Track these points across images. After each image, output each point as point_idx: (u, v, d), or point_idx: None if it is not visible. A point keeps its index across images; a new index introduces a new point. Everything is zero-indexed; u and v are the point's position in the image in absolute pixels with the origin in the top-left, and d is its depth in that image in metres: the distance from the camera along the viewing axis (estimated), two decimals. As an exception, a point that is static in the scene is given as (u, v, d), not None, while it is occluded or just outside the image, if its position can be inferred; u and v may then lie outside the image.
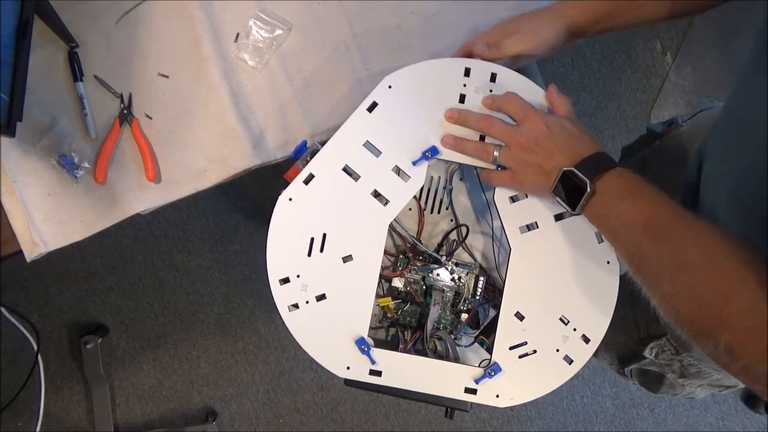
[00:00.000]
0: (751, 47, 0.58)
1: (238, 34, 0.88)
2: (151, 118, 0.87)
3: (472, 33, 0.84)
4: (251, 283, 1.67)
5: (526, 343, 0.71)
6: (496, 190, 0.72)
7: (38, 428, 1.35)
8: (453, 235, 0.82)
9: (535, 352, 0.71)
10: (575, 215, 0.66)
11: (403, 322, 0.82)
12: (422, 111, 0.72)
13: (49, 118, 0.85)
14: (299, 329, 0.70)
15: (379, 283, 0.72)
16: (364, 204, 0.71)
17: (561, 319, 0.71)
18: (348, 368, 0.70)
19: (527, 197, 0.71)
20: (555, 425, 1.75)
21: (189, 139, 0.87)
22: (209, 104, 0.87)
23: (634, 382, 0.99)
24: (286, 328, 0.70)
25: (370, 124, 0.71)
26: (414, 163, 0.71)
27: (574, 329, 0.71)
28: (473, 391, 0.70)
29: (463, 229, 0.81)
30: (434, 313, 0.78)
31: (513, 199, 0.72)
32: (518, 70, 0.74)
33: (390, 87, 0.72)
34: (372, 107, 0.72)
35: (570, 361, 0.71)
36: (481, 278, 0.81)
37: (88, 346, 1.57)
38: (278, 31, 0.88)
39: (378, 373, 0.70)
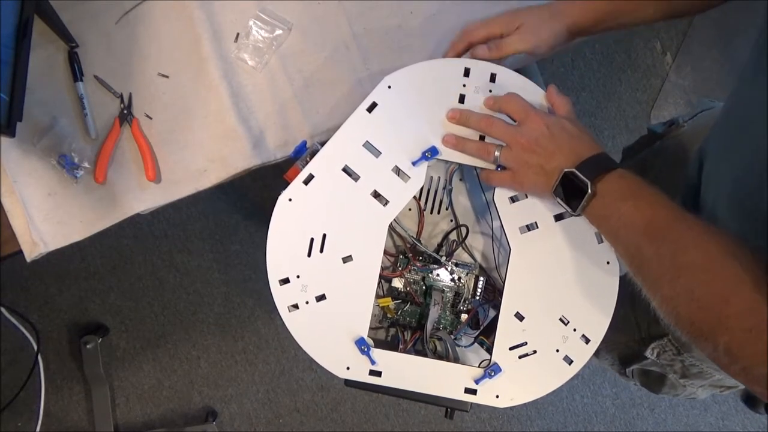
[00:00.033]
0: (751, 47, 0.58)
1: (238, 34, 0.88)
2: (151, 118, 0.87)
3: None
4: (251, 283, 1.67)
5: (526, 343, 0.71)
6: (496, 190, 0.72)
7: (38, 428, 1.35)
8: (453, 236, 0.82)
9: (535, 352, 0.71)
10: (576, 216, 0.66)
11: (403, 323, 0.82)
12: (422, 111, 0.72)
13: (49, 118, 0.85)
14: (299, 329, 0.70)
15: (378, 284, 0.72)
16: (364, 204, 0.71)
17: (561, 320, 0.71)
18: (348, 368, 0.70)
19: (527, 197, 0.71)
20: (555, 425, 1.75)
21: (189, 139, 0.87)
22: (209, 104, 0.87)
23: (636, 382, 0.99)
24: (286, 328, 0.70)
25: (369, 125, 0.71)
26: (414, 164, 0.71)
27: (574, 329, 0.71)
28: (473, 392, 0.70)
29: (463, 230, 0.81)
30: (434, 313, 0.78)
31: (513, 200, 0.72)
32: (518, 70, 0.74)
33: (390, 87, 0.72)
34: (372, 107, 0.72)
35: (570, 362, 0.71)
36: (481, 278, 0.81)
37: (88, 346, 1.57)
38: (278, 31, 0.88)
39: (378, 374, 0.70)
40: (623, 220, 0.61)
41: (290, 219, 0.70)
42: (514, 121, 0.70)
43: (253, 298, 1.67)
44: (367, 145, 0.71)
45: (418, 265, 0.81)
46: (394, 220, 0.72)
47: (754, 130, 0.56)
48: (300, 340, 0.70)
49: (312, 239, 0.70)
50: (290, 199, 0.70)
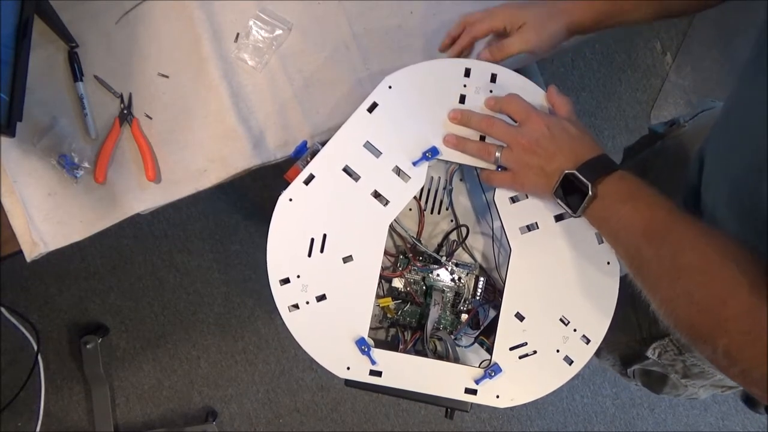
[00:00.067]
0: (751, 47, 0.58)
1: (238, 34, 0.88)
2: (151, 118, 0.87)
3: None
4: (251, 283, 1.67)
5: (526, 343, 0.71)
6: (497, 190, 0.72)
7: (38, 428, 1.35)
8: (453, 236, 0.82)
9: (535, 352, 0.71)
10: (576, 217, 0.66)
11: (403, 323, 0.82)
12: (422, 111, 0.72)
13: (49, 118, 0.85)
14: (299, 329, 0.70)
15: (379, 284, 0.72)
16: (365, 204, 0.71)
17: (561, 320, 0.71)
18: (348, 368, 0.70)
19: (527, 198, 0.71)
20: (555, 425, 1.75)
21: (189, 139, 0.87)
22: (209, 104, 0.87)
23: (637, 383, 0.99)
24: (286, 328, 0.70)
25: (370, 125, 0.71)
26: (414, 164, 0.71)
27: (575, 330, 0.71)
28: (473, 392, 0.70)
29: (463, 230, 0.81)
30: (434, 313, 0.78)
31: (513, 200, 0.72)
32: (518, 70, 0.74)
33: (390, 87, 0.72)
34: (372, 108, 0.72)
35: (570, 362, 0.71)
36: (481, 279, 0.81)
37: (88, 346, 1.57)
38: (278, 31, 0.88)
39: (378, 374, 0.70)
40: (623, 222, 0.61)
41: (291, 219, 0.70)
42: (515, 121, 0.70)
43: (253, 298, 1.67)
44: (368, 146, 0.71)
45: (419, 265, 0.81)
46: (395, 220, 0.72)
47: (753, 130, 0.56)
48: (300, 340, 0.70)
49: (312, 239, 0.70)
50: (291, 199, 0.70)
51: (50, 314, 1.65)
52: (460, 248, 0.82)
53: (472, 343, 0.78)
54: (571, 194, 0.65)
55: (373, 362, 0.70)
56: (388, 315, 0.81)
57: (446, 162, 0.75)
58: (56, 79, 0.86)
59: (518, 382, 0.71)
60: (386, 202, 0.71)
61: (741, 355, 0.50)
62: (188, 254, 1.66)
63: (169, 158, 0.87)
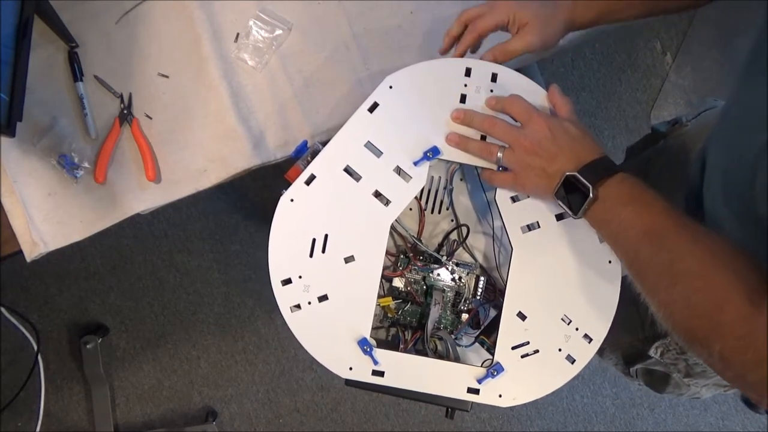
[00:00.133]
0: (751, 46, 0.58)
1: (238, 34, 0.88)
2: (151, 118, 0.87)
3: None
4: (251, 283, 1.67)
5: (528, 342, 0.71)
6: (498, 190, 0.72)
7: (38, 428, 1.35)
8: (453, 235, 0.82)
9: (537, 351, 0.71)
10: (576, 219, 0.66)
11: (404, 322, 0.82)
12: (423, 111, 0.72)
13: (49, 118, 0.85)
14: (301, 330, 0.70)
15: (379, 283, 0.72)
16: (366, 204, 0.71)
17: (563, 319, 0.71)
18: (351, 369, 0.70)
19: (528, 197, 0.71)
20: (555, 425, 1.75)
21: (189, 139, 0.87)
22: (209, 104, 0.87)
23: (640, 382, 0.99)
24: (286, 328, 0.69)
25: (371, 125, 0.71)
26: (415, 164, 0.71)
27: (577, 329, 0.71)
28: (476, 391, 0.70)
29: (464, 229, 0.81)
30: (435, 313, 0.78)
31: (514, 199, 0.72)
32: (519, 70, 0.74)
33: (391, 87, 0.72)
34: (373, 108, 0.71)
35: (572, 361, 0.71)
36: (482, 278, 0.80)
37: (88, 346, 1.57)
38: (278, 31, 0.88)
39: (380, 374, 0.70)
40: (623, 224, 0.61)
41: (292, 219, 0.70)
42: (516, 122, 0.70)
43: (253, 298, 1.67)
44: (369, 146, 0.71)
45: (419, 264, 0.80)
46: (395, 219, 0.72)
47: (753, 129, 0.56)
48: (302, 340, 0.69)
49: (314, 239, 0.70)
50: (292, 200, 0.70)
51: (50, 314, 1.64)
52: (461, 248, 0.82)
53: (473, 343, 0.78)
54: (572, 196, 0.65)
55: (376, 362, 0.70)
56: (389, 314, 0.81)
57: (447, 162, 0.75)
58: (56, 79, 0.86)
59: (520, 382, 0.71)
60: (387, 202, 0.71)
61: (736, 359, 0.51)
62: (188, 254, 1.66)
63: (169, 158, 0.87)
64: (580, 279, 0.71)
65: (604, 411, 1.76)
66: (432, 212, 0.85)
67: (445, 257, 0.80)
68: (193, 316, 1.67)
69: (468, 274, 0.81)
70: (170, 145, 0.87)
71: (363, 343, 0.69)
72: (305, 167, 0.71)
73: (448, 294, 0.81)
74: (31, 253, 0.84)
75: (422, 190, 0.83)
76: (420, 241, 0.80)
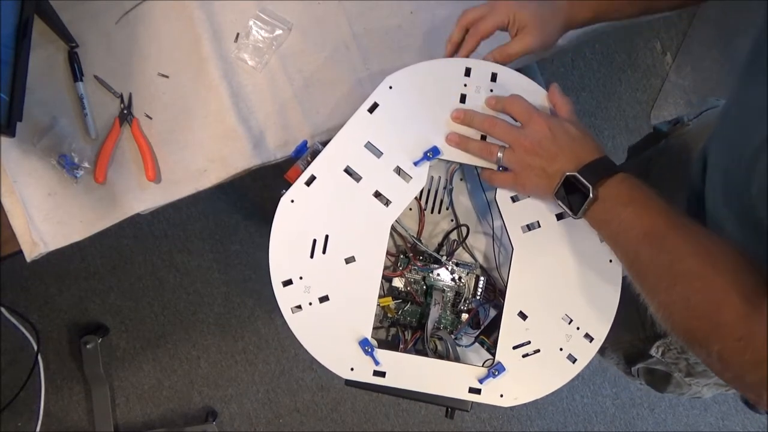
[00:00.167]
0: (750, 46, 0.58)
1: (238, 34, 0.88)
2: (151, 118, 0.87)
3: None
4: (251, 283, 1.67)
5: (529, 342, 0.71)
6: (498, 189, 0.72)
7: (38, 428, 1.35)
8: (453, 235, 0.82)
9: (538, 351, 0.71)
10: (576, 219, 0.66)
11: (404, 322, 0.82)
12: (423, 111, 0.72)
13: (49, 118, 0.85)
14: (303, 331, 0.70)
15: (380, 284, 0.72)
16: (366, 205, 0.71)
17: (564, 318, 0.71)
18: (352, 369, 0.70)
19: (529, 197, 0.71)
20: (555, 425, 1.75)
21: (189, 139, 0.87)
22: (209, 104, 0.87)
23: (641, 382, 0.99)
24: (286, 328, 0.69)
25: (371, 125, 0.71)
26: (415, 164, 0.71)
27: (578, 328, 0.71)
28: (477, 391, 0.70)
29: (464, 229, 0.81)
30: (434, 313, 0.78)
31: (514, 199, 0.72)
32: (519, 70, 0.74)
33: (391, 87, 0.72)
34: (373, 108, 0.71)
35: (574, 360, 0.71)
36: (482, 278, 0.80)
37: (88, 346, 1.57)
38: (278, 31, 0.88)
39: (382, 374, 0.70)
40: (623, 225, 0.62)
41: (292, 220, 0.70)
42: (516, 122, 0.70)
43: (253, 298, 1.67)
44: (369, 146, 0.71)
45: (419, 264, 0.80)
46: (395, 219, 0.72)
47: (753, 129, 0.56)
48: (303, 341, 0.69)
49: (314, 240, 0.70)
50: (292, 201, 0.70)
51: (50, 314, 1.64)
52: (461, 248, 0.82)
53: (473, 343, 0.78)
54: (571, 196, 0.65)
55: (377, 363, 0.70)
56: (389, 314, 0.81)
57: (447, 162, 0.75)
58: (56, 79, 0.85)
59: (522, 381, 0.71)
60: (388, 203, 0.71)
61: (734, 360, 0.51)
62: (188, 254, 1.66)
63: (169, 158, 0.87)
64: (580, 278, 0.71)
65: (604, 411, 1.76)
66: (432, 212, 0.85)
67: (445, 257, 0.80)
68: (193, 316, 1.67)
69: (468, 274, 0.81)
70: (170, 145, 0.87)
71: (364, 344, 0.69)
72: (305, 167, 0.71)
73: (448, 294, 0.81)
74: (31, 253, 0.84)
75: (422, 190, 0.83)
76: (420, 241, 0.80)
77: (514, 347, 0.71)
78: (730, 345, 0.51)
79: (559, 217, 0.71)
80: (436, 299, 0.78)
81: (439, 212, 0.85)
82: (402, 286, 0.81)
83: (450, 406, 0.75)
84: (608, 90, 1.74)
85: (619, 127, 1.75)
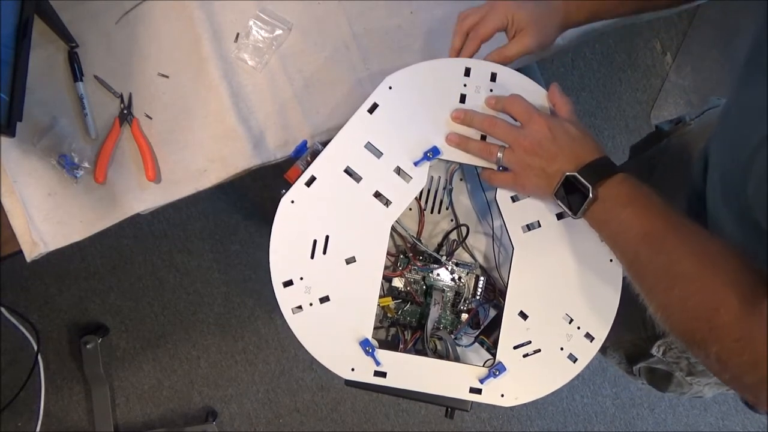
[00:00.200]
0: (750, 45, 0.58)
1: (238, 34, 0.88)
2: (151, 118, 0.87)
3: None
4: (251, 283, 1.67)
5: (530, 342, 0.71)
6: (498, 189, 0.72)
7: (38, 428, 1.35)
8: (453, 235, 0.82)
9: (539, 351, 0.71)
10: (576, 219, 0.66)
11: (404, 322, 0.82)
12: (423, 111, 0.72)
13: (49, 118, 0.85)
14: (303, 331, 0.70)
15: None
16: (366, 205, 0.71)
17: (564, 318, 0.71)
18: (353, 370, 0.70)
19: (529, 197, 0.71)
20: (555, 425, 1.75)
21: (189, 139, 0.87)
22: (209, 104, 0.87)
23: (643, 381, 0.99)
24: (286, 328, 0.69)
25: (371, 126, 0.71)
26: (415, 164, 0.71)
27: (578, 327, 0.71)
28: (478, 391, 0.70)
29: (464, 229, 0.81)
30: (434, 313, 0.78)
31: (514, 199, 0.72)
32: (519, 70, 0.74)
33: (390, 88, 0.72)
34: (373, 108, 0.71)
35: (574, 360, 0.71)
36: (482, 278, 0.80)
37: (88, 346, 1.57)
38: (278, 31, 0.88)
39: (383, 374, 0.70)
40: (622, 226, 0.62)
41: (293, 221, 0.70)
42: (516, 122, 0.70)
43: (253, 298, 1.67)
44: (369, 146, 0.71)
45: (419, 264, 0.80)
46: (395, 220, 0.72)
47: (752, 129, 0.56)
48: (304, 341, 0.69)
49: (315, 241, 0.70)
50: (292, 201, 0.70)
51: (50, 314, 1.64)
52: (461, 248, 0.82)
53: (473, 343, 0.78)
54: (571, 196, 0.65)
55: (378, 363, 0.70)
56: (389, 314, 0.81)
57: (447, 162, 0.75)
58: (56, 79, 0.85)
59: (522, 381, 0.71)
60: (388, 203, 0.71)
61: (732, 361, 0.52)
62: (188, 254, 1.66)
63: (169, 158, 0.87)
64: (581, 278, 0.71)
65: (604, 411, 1.76)
66: (432, 212, 0.85)
67: (444, 257, 0.80)
68: (193, 316, 1.67)
69: (468, 274, 0.81)
70: (170, 145, 0.87)
71: (365, 344, 0.69)
72: (305, 168, 0.71)
73: (448, 294, 0.81)
74: (31, 253, 0.84)
75: (422, 190, 0.83)
76: (420, 241, 0.80)
77: (515, 347, 0.71)
78: (728, 346, 0.51)
79: (560, 216, 0.71)
80: (435, 299, 0.78)
81: (439, 212, 0.85)
82: (402, 286, 0.81)
83: (450, 406, 0.75)
84: (608, 90, 1.74)
85: (619, 127, 1.75)
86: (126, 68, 0.87)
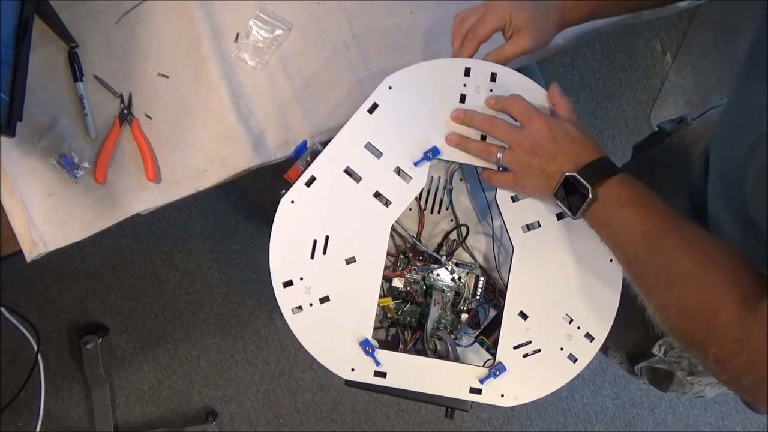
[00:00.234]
0: (750, 45, 0.58)
1: (238, 34, 0.88)
2: (151, 118, 0.87)
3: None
4: (251, 283, 1.67)
5: (530, 342, 0.71)
6: (498, 189, 0.72)
7: (38, 428, 1.35)
8: (453, 235, 0.82)
9: (539, 351, 0.71)
10: (575, 219, 0.66)
11: (403, 322, 0.82)
12: (423, 111, 0.72)
13: (49, 118, 0.85)
14: (303, 331, 0.70)
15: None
16: (366, 205, 0.71)
17: (564, 318, 0.71)
18: (353, 370, 0.70)
19: (529, 196, 0.71)
20: (555, 425, 1.75)
21: (189, 139, 0.87)
22: (209, 104, 0.87)
23: (644, 381, 0.99)
24: (286, 328, 0.69)
25: (371, 126, 0.71)
26: (415, 164, 0.71)
27: (578, 327, 0.71)
28: (478, 391, 0.70)
29: (463, 229, 0.81)
30: (434, 313, 0.78)
31: (514, 199, 0.72)
32: (519, 70, 0.74)
33: (390, 88, 0.72)
34: (373, 108, 0.71)
35: (574, 360, 0.71)
36: (481, 278, 0.80)
37: (88, 346, 1.57)
38: (278, 31, 0.88)
39: (383, 375, 0.70)
40: (622, 226, 0.62)
41: (293, 221, 0.70)
42: (517, 122, 0.70)
43: (253, 298, 1.67)
44: (369, 147, 0.71)
45: (419, 264, 0.80)
46: (395, 220, 0.72)
47: (746, 128, 0.56)
48: (304, 341, 0.69)
49: (315, 241, 0.70)
50: (292, 201, 0.70)
51: (50, 314, 1.64)
52: (460, 248, 0.82)
53: (472, 343, 0.78)
54: (571, 196, 0.65)
55: (378, 363, 0.70)
56: (388, 314, 0.81)
57: (446, 162, 0.75)
58: (56, 79, 0.85)
59: (522, 381, 0.71)
60: (388, 203, 0.71)
61: (730, 362, 0.52)
62: (188, 254, 1.66)
63: (169, 158, 0.87)
64: (581, 278, 0.71)
65: (604, 411, 1.76)
66: (432, 212, 0.85)
67: (444, 257, 0.80)
68: (193, 316, 1.67)
69: (467, 274, 0.81)
70: (170, 145, 0.87)
71: (365, 345, 0.69)
72: (304, 168, 0.71)
73: (448, 294, 0.81)
74: (31, 253, 0.84)
75: (422, 191, 0.83)
76: (419, 241, 0.80)
77: (515, 347, 0.71)
78: (726, 347, 0.51)
79: (560, 216, 0.71)
80: (435, 299, 0.79)
81: (439, 212, 0.85)
82: (402, 286, 0.81)
83: (450, 406, 0.75)
84: (608, 90, 1.74)
85: (619, 127, 1.75)
86: (126, 68, 0.87)
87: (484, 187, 0.81)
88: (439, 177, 0.83)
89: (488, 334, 0.75)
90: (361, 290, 0.70)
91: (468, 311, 0.80)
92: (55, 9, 0.83)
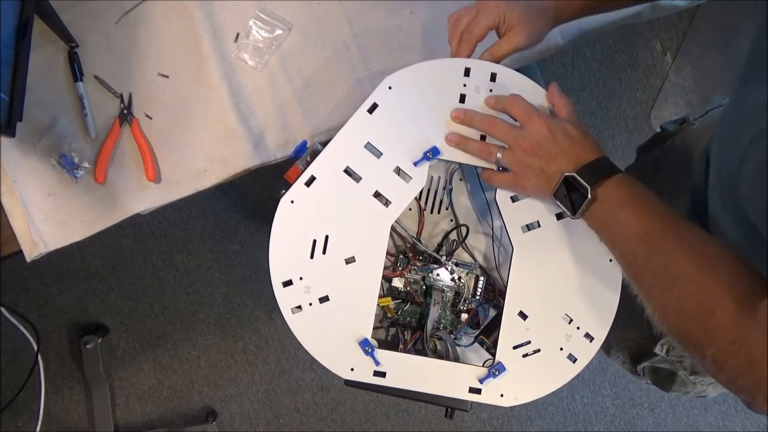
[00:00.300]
0: (750, 44, 0.58)
1: (238, 34, 0.88)
2: (151, 118, 0.87)
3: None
4: (251, 283, 1.67)
5: (529, 342, 0.71)
6: (498, 189, 0.72)
7: (38, 428, 1.35)
8: (453, 235, 0.82)
9: (538, 351, 0.71)
10: (575, 219, 0.66)
11: (403, 322, 0.82)
12: (423, 111, 0.72)
13: (49, 118, 0.85)
14: (303, 331, 0.70)
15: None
16: (366, 205, 0.71)
17: (564, 318, 0.71)
18: (352, 370, 0.70)
19: (528, 197, 0.71)
20: (555, 425, 1.75)
21: (189, 139, 0.87)
22: (209, 104, 0.87)
23: (647, 380, 0.99)
24: (286, 328, 0.70)
25: (370, 126, 0.71)
26: (415, 164, 0.71)
27: (578, 327, 0.71)
28: (477, 391, 0.70)
29: (463, 229, 0.81)
30: (434, 313, 0.78)
31: (514, 199, 0.72)
32: (518, 70, 0.74)
33: (390, 88, 0.72)
34: (372, 108, 0.71)
35: (574, 360, 0.71)
36: (481, 278, 0.80)
37: (88, 346, 1.57)
38: (278, 31, 0.88)
39: (382, 374, 0.70)
40: (621, 226, 0.62)
41: (292, 221, 0.70)
42: (516, 122, 0.70)
43: (253, 298, 1.67)
44: (369, 146, 0.71)
45: (419, 264, 0.80)
46: (395, 220, 0.72)
47: (744, 128, 0.56)
48: (304, 341, 0.69)
49: (314, 241, 0.70)
50: (292, 201, 0.70)
51: (50, 314, 1.64)
52: (460, 248, 0.82)
53: (472, 343, 0.78)
54: (571, 196, 0.65)
55: (377, 363, 0.70)
56: (388, 314, 0.81)
57: (446, 162, 0.75)
58: (56, 79, 0.86)
59: (522, 381, 0.71)
60: (387, 203, 0.71)
61: (728, 363, 0.52)
62: (188, 254, 1.66)
63: (169, 158, 0.87)
64: (581, 278, 0.71)
65: (604, 411, 1.76)
66: (431, 212, 0.85)
67: (444, 257, 0.80)
68: (193, 316, 1.67)
69: (467, 274, 0.81)
70: (170, 145, 0.87)
71: (364, 344, 0.69)
72: (304, 168, 0.71)
73: (448, 294, 0.81)
74: (31, 253, 0.84)
75: (422, 190, 0.83)
76: (419, 241, 0.80)
77: (515, 347, 0.71)
78: (723, 348, 0.51)
79: (559, 217, 0.71)
80: (435, 299, 0.79)
81: (439, 212, 0.85)
82: (402, 286, 0.81)
83: (450, 406, 0.75)
84: (608, 90, 1.74)
85: (619, 127, 1.75)
86: (126, 68, 0.87)
87: (484, 187, 0.81)
88: (439, 177, 0.83)
89: (488, 334, 0.75)
90: (361, 290, 0.70)
91: (468, 311, 0.80)
92: (55, 9, 0.83)
